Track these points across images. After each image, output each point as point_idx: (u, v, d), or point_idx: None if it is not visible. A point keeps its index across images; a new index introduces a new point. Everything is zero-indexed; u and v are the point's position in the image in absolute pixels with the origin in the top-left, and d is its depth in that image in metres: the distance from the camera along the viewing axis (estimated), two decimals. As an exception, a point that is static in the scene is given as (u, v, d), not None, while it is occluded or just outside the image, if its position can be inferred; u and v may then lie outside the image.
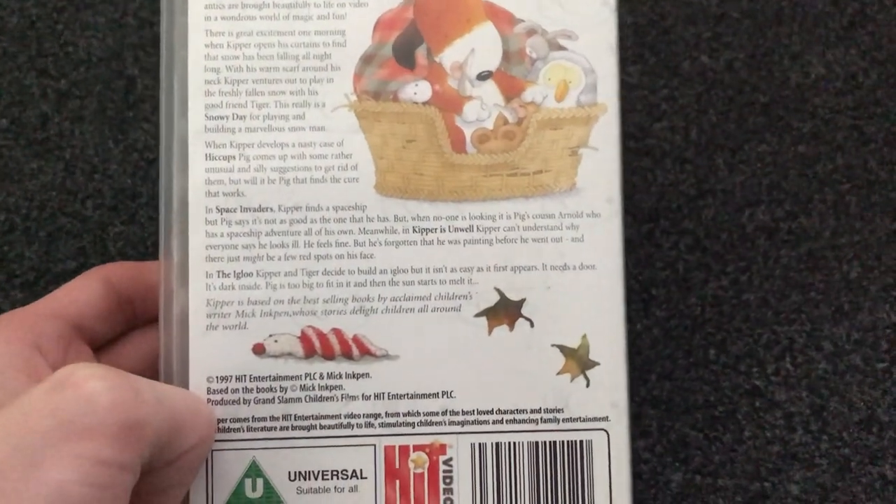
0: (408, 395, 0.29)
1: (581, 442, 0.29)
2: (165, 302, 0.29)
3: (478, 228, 0.30)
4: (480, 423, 0.29)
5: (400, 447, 0.29)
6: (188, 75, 0.29)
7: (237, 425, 0.29)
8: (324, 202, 0.29)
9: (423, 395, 0.29)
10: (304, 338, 0.29)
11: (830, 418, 0.40)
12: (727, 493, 0.39)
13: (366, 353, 0.29)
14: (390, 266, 0.29)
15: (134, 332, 0.33)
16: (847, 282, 0.41)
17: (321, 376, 0.29)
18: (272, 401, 0.29)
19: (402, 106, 0.30)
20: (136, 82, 0.42)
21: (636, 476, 0.38)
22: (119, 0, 0.43)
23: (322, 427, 0.29)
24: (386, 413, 0.29)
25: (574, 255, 0.30)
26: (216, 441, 0.28)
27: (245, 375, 0.29)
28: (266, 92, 0.30)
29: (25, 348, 0.29)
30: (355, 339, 0.29)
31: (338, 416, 0.29)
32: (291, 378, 0.29)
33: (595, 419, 0.30)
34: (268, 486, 0.29)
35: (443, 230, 0.30)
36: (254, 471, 0.29)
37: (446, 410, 0.29)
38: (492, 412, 0.29)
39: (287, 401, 0.29)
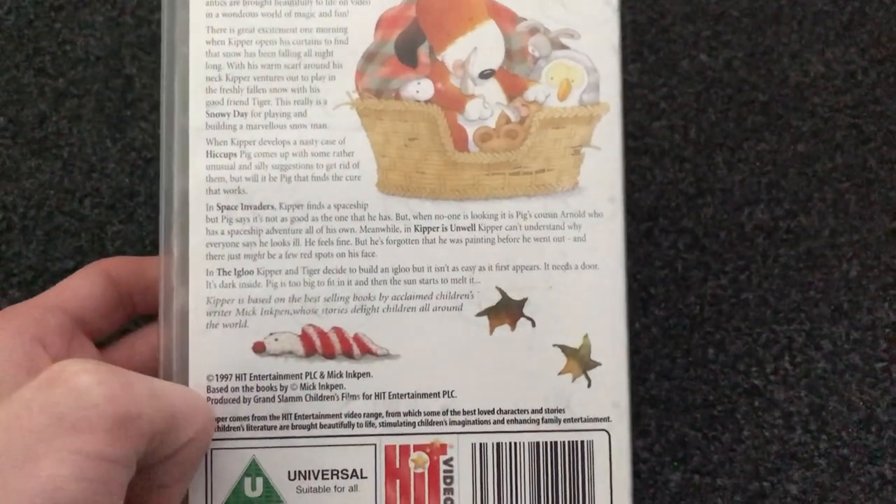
0: (408, 394, 0.29)
1: (582, 442, 0.29)
2: (165, 299, 0.29)
3: (480, 227, 0.30)
4: (481, 422, 0.29)
5: (400, 447, 0.29)
6: (189, 72, 0.29)
7: (237, 424, 0.29)
8: (325, 200, 0.29)
9: (424, 395, 0.29)
10: (304, 336, 0.29)
11: (829, 418, 0.40)
12: (726, 492, 0.39)
13: (367, 352, 0.29)
14: (392, 265, 0.29)
15: (140, 330, 0.33)
16: (846, 281, 0.41)
17: (322, 375, 0.29)
18: (272, 399, 0.29)
19: (404, 104, 0.30)
20: (134, 81, 0.42)
21: (635, 475, 0.38)
22: (117, -3, 0.43)
23: (322, 426, 0.29)
24: (386, 412, 0.29)
25: (576, 254, 0.30)
26: (216, 440, 0.28)
27: (245, 374, 0.29)
28: (267, 89, 0.29)
29: (27, 342, 0.28)
30: (356, 337, 0.29)
31: (338, 416, 0.29)
32: (292, 377, 0.29)
33: (596, 419, 0.30)
34: (267, 485, 0.29)
35: (445, 229, 0.30)
36: (253, 470, 0.29)
37: (447, 410, 0.29)
38: (493, 412, 0.29)
39: (287, 400, 0.29)
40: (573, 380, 0.30)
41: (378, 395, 0.29)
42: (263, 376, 0.29)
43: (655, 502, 0.39)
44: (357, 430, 0.29)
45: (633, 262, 0.41)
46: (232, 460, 0.28)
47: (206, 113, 0.29)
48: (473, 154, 0.30)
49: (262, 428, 0.29)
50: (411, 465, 0.29)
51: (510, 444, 0.29)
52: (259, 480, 0.29)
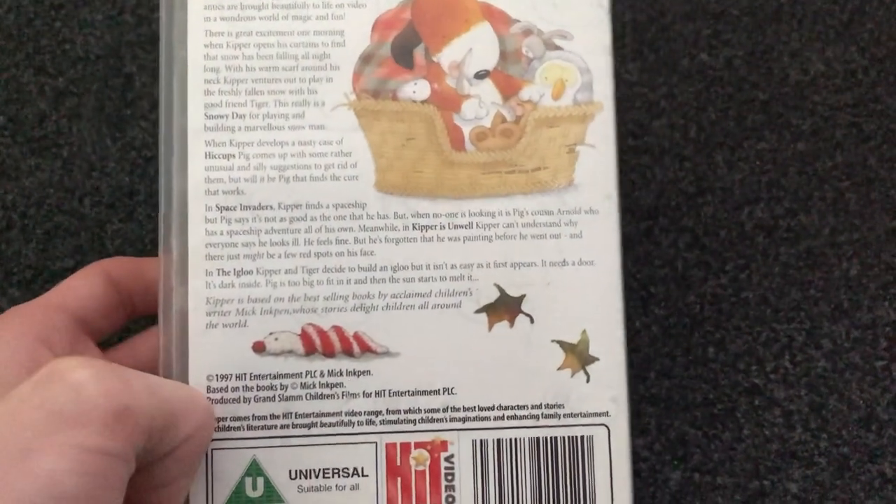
0: (408, 392, 0.29)
1: (582, 437, 0.30)
2: (165, 300, 0.29)
3: (477, 225, 0.30)
4: (481, 419, 0.29)
5: (401, 444, 0.29)
6: (188, 75, 0.30)
7: (237, 424, 0.29)
8: (324, 200, 0.29)
9: (424, 392, 0.29)
10: (304, 335, 0.29)
11: (829, 416, 0.40)
12: (726, 491, 0.39)
13: (366, 350, 0.29)
14: (390, 263, 0.29)
15: (142, 332, 0.33)
16: (846, 279, 0.41)
17: (322, 374, 0.29)
18: (272, 399, 0.29)
19: (401, 104, 0.30)
20: (133, 80, 0.42)
21: (635, 474, 0.39)
22: (118, -2, 0.43)
23: (323, 425, 0.29)
24: (387, 410, 0.29)
25: (573, 251, 0.30)
26: (216, 440, 0.28)
27: (245, 374, 0.29)
28: (265, 91, 0.30)
29: (31, 342, 0.29)
30: (356, 336, 0.29)
31: (338, 414, 0.29)
32: (292, 376, 0.29)
33: (595, 414, 0.30)
34: (268, 484, 0.29)
35: (443, 227, 0.30)
36: (254, 469, 0.29)
37: (447, 407, 0.29)
38: (493, 408, 0.29)
39: (287, 399, 0.29)
40: (572, 375, 0.30)
41: (378, 393, 0.29)
42: (263, 376, 0.29)
43: (656, 501, 0.39)
44: (358, 429, 0.29)
45: (633, 261, 0.41)
46: (232, 460, 0.29)
47: (205, 115, 0.29)
48: (470, 153, 0.30)
49: (263, 427, 0.29)
50: (412, 462, 0.29)
51: (510, 440, 0.29)
52: (260, 480, 0.29)
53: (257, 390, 0.29)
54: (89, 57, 0.42)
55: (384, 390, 0.29)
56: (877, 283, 0.41)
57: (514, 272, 0.30)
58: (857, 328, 0.41)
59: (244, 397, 0.29)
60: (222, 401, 0.29)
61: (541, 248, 0.30)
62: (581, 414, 0.30)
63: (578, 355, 0.30)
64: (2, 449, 0.22)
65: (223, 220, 0.29)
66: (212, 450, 0.28)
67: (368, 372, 0.29)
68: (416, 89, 0.30)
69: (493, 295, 0.30)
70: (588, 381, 0.30)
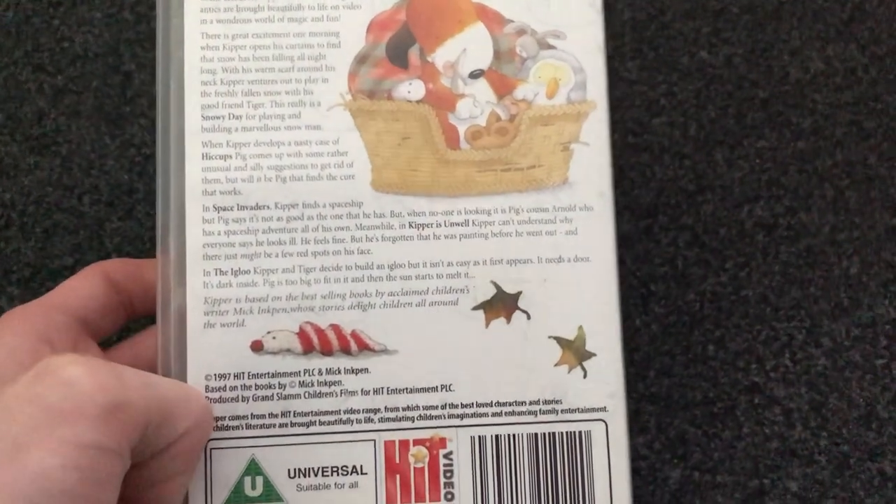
0: (407, 389, 0.29)
1: (580, 433, 0.30)
2: (163, 300, 0.29)
3: (473, 223, 0.30)
4: (479, 415, 0.29)
5: (400, 442, 0.29)
6: (184, 77, 0.30)
7: (236, 423, 0.29)
8: (320, 199, 0.29)
9: (422, 389, 0.29)
10: (302, 334, 0.29)
11: (829, 415, 0.40)
12: (726, 489, 0.39)
13: (364, 348, 0.29)
14: (387, 261, 0.29)
15: (141, 333, 0.34)
16: (846, 278, 0.41)
17: (320, 372, 0.29)
18: (271, 398, 0.29)
19: (396, 104, 0.30)
20: (132, 78, 0.42)
21: (634, 472, 0.39)
22: (116, -3, 0.43)
23: (321, 423, 0.29)
24: (385, 408, 0.29)
25: (568, 247, 0.30)
26: (215, 439, 0.28)
27: (243, 373, 0.29)
28: (262, 92, 0.30)
29: (33, 342, 0.29)
30: (353, 334, 0.29)
31: (337, 412, 0.29)
32: (290, 374, 0.29)
33: (593, 410, 0.30)
34: (267, 483, 0.29)
35: (439, 225, 0.30)
36: (253, 469, 0.29)
37: (445, 404, 0.29)
38: (491, 405, 0.29)
39: (286, 397, 0.29)
40: (569, 371, 0.30)
41: (376, 391, 0.29)
42: (262, 375, 0.29)
43: (655, 499, 0.39)
44: (356, 427, 0.29)
45: (632, 259, 0.41)
46: (231, 460, 0.29)
47: (202, 116, 0.30)
48: (465, 152, 0.30)
49: (262, 426, 0.29)
50: (411, 459, 0.29)
51: (509, 436, 0.29)
52: (259, 479, 0.29)
53: (256, 389, 0.29)
54: (88, 55, 0.42)
55: (382, 388, 0.29)
56: (877, 281, 0.41)
57: (510, 269, 0.30)
58: (857, 326, 0.41)
59: (242, 396, 0.29)
60: (221, 400, 0.29)
61: (536, 245, 0.30)
62: (579, 409, 0.30)
63: (575, 351, 0.30)
64: None
65: (220, 220, 0.29)
66: (210, 449, 0.28)
67: (366, 370, 0.29)
68: (411, 89, 0.30)
69: (490, 292, 0.30)
70: (585, 376, 0.30)
